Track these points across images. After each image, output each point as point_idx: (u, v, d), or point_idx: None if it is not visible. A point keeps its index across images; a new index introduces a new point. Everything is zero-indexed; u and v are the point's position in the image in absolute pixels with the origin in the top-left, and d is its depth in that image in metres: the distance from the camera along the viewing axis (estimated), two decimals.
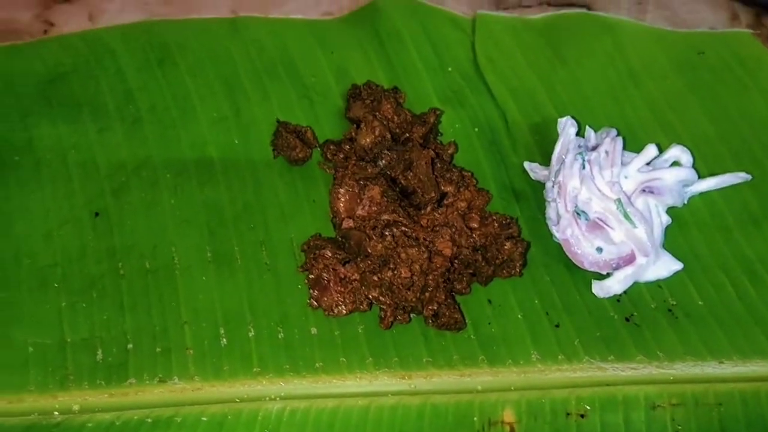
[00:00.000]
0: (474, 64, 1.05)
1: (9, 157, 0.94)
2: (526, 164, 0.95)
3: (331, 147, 0.95)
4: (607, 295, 0.87)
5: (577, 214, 0.87)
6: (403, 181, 0.85)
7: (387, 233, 0.82)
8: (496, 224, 0.86)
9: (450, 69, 1.04)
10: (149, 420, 0.77)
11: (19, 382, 0.80)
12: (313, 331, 0.84)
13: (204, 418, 0.78)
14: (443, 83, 1.03)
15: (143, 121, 0.99)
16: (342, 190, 0.89)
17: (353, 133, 0.91)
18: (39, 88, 1.00)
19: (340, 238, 0.88)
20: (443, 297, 0.83)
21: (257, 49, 1.05)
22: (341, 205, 0.89)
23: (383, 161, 0.89)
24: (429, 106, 0.99)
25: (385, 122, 0.91)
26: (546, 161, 0.96)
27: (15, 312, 0.84)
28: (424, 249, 0.81)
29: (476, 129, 0.99)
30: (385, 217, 0.83)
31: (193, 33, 1.06)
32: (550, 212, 0.91)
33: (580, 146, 0.91)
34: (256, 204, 0.93)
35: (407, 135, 0.90)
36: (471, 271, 0.85)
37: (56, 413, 0.78)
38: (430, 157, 0.87)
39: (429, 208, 0.86)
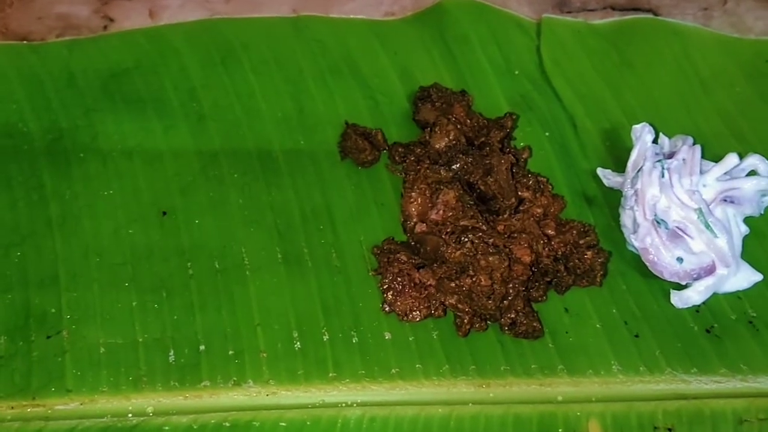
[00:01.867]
0: (540, 68, 1.04)
1: (75, 154, 0.93)
2: (599, 170, 0.94)
3: (400, 150, 0.94)
4: (686, 306, 0.85)
5: (657, 222, 0.85)
6: (482, 187, 0.84)
7: (466, 239, 0.81)
8: (574, 232, 0.84)
9: (517, 72, 1.03)
10: (227, 424, 0.76)
11: (92, 383, 0.78)
12: (387, 336, 0.83)
13: (282, 423, 0.76)
14: (511, 87, 1.01)
15: (207, 119, 0.98)
16: (414, 194, 0.87)
17: (427, 136, 0.90)
18: (102, 83, 0.99)
19: (413, 243, 0.86)
20: (522, 305, 0.81)
21: (320, 49, 1.04)
22: (413, 208, 0.87)
23: (457, 165, 0.87)
24: (498, 110, 0.98)
25: (458, 126, 0.89)
26: (617, 167, 0.95)
27: (86, 311, 0.82)
28: (504, 257, 0.79)
29: (547, 133, 0.97)
30: (464, 222, 0.82)
31: (256, 32, 1.05)
32: (626, 220, 0.89)
33: (657, 154, 0.89)
34: (323, 206, 0.92)
35: (483, 139, 0.89)
36: (548, 279, 0.83)
37: (130, 415, 0.77)
38: (510, 162, 0.85)
39: (506, 214, 0.84)
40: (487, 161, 0.84)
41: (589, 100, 1.01)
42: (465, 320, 0.81)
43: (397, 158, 0.94)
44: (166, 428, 0.75)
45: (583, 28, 1.08)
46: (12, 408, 0.77)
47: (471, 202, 0.84)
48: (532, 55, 1.05)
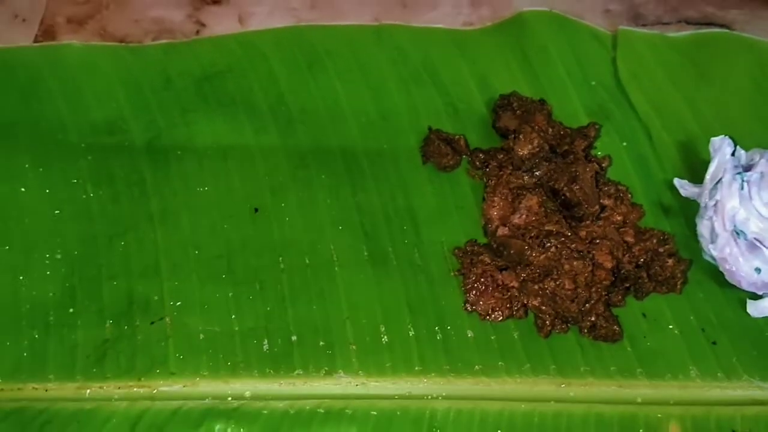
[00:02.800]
0: (615, 79, 1.06)
1: (173, 152, 0.99)
2: (676, 181, 0.96)
3: (481, 155, 0.97)
4: (761, 315, 0.87)
5: (736, 233, 0.87)
6: (567, 193, 0.87)
7: (550, 243, 0.84)
8: (654, 240, 0.87)
9: (594, 83, 1.05)
10: (321, 410, 0.80)
11: (193, 367, 0.83)
12: (470, 334, 0.86)
13: (374, 412, 0.80)
14: (588, 97, 1.04)
15: (295, 122, 1.02)
16: (496, 198, 0.91)
17: (510, 143, 0.93)
18: (196, 85, 1.05)
19: (494, 245, 0.90)
20: (602, 309, 0.84)
21: (401, 57, 1.08)
22: (494, 212, 0.91)
23: (540, 171, 0.90)
24: (576, 119, 1.01)
25: (541, 134, 0.92)
26: (693, 178, 0.97)
27: (187, 300, 0.87)
28: (588, 262, 0.82)
29: (624, 144, 1.00)
30: (548, 227, 0.85)
31: (340, 39, 1.10)
32: (703, 230, 0.91)
33: (735, 166, 0.91)
34: (406, 207, 0.96)
35: (566, 147, 0.92)
36: (627, 285, 0.86)
37: (230, 398, 0.81)
38: (594, 170, 0.88)
39: (589, 221, 0.87)
40: (573, 169, 0.87)
41: (665, 112, 1.03)
42: (547, 322, 0.84)
43: (477, 163, 0.97)
44: (265, 412, 0.80)
45: (659, 41, 1.10)
46: (119, 388, 0.82)
47: (554, 208, 0.87)
48: (608, 67, 1.08)
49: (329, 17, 1.13)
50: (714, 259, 0.89)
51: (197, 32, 1.13)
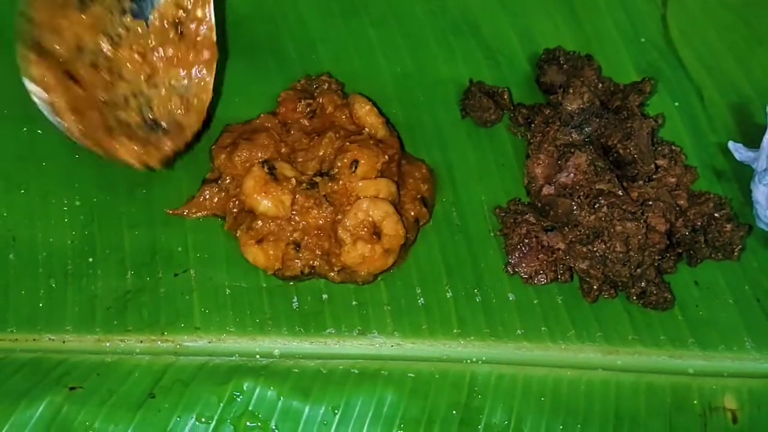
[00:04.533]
0: (665, 37, 1.01)
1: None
2: (731, 144, 0.90)
3: (524, 111, 0.92)
4: None
5: None
6: (621, 151, 0.82)
7: (600, 204, 0.79)
8: (710, 204, 0.82)
9: (643, 40, 1.00)
10: (355, 371, 0.76)
11: (219, 323, 0.79)
12: (511, 297, 0.82)
13: (411, 375, 0.76)
14: (638, 54, 0.99)
15: (327, 72, 0.96)
16: (542, 156, 0.86)
17: (559, 98, 0.87)
18: (222, 29, 0.99)
19: (539, 204, 0.85)
20: (653, 275, 0.79)
21: (440, 8, 1.02)
22: (539, 170, 0.86)
23: (590, 128, 0.85)
24: (625, 76, 0.95)
25: (591, 89, 0.87)
26: (746, 142, 0.92)
27: (212, 253, 0.83)
28: (642, 224, 0.77)
29: (676, 103, 0.94)
30: (600, 186, 0.80)
31: None
32: (759, 196, 0.86)
33: None
34: (443, 163, 0.91)
35: (618, 103, 0.86)
36: (680, 251, 0.81)
37: (258, 356, 0.77)
38: (651, 127, 0.83)
39: (641, 181, 0.82)
40: (628, 125, 0.82)
41: (716, 73, 0.98)
42: (594, 286, 0.79)
43: (520, 119, 0.92)
44: (296, 371, 0.76)
45: (712, 0, 1.04)
46: (141, 342, 0.78)
47: (604, 166, 0.82)
48: (658, 24, 1.02)
49: None
50: None
51: None
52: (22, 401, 0.71)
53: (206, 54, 0.81)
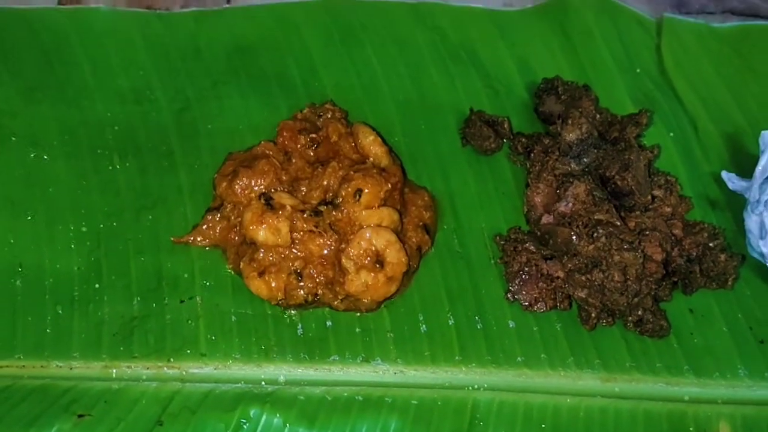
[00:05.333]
0: (660, 67, 1.03)
1: (203, 125, 0.95)
2: (725, 174, 0.92)
3: (523, 140, 0.94)
4: None
5: None
6: (619, 182, 0.84)
7: (599, 233, 0.81)
8: (705, 234, 0.84)
9: (638, 71, 1.02)
10: (359, 398, 0.77)
11: (225, 349, 0.80)
12: (511, 324, 0.83)
13: (414, 402, 0.77)
14: (634, 84, 1.01)
15: (330, 99, 0.98)
16: (541, 185, 0.88)
17: (558, 128, 0.89)
18: (227, 56, 1.00)
19: (538, 233, 0.86)
20: (650, 303, 0.81)
21: (440, 36, 1.04)
22: (538, 199, 0.88)
23: (588, 158, 0.87)
24: (621, 107, 0.97)
25: (590, 119, 0.89)
26: (740, 172, 0.94)
27: (218, 279, 0.84)
28: (639, 254, 0.79)
29: (671, 134, 0.96)
30: (598, 216, 0.82)
31: (376, 15, 1.06)
32: (752, 225, 0.88)
33: None
34: (444, 191, 0.93)
35: (616, 134, 0.88)
36: (675, 279, 0.83)
37: (263, 383, 0.78)
38: (648, 159, 0.85)
39: (638, 211, 0.84)
40: (626, 156, 0.84)
41: (710, 103, 1.00)
42: (593, 314, 0.81)
43: (519, 148, 0.94)
44: (301, 398, 0.77)
45: (704, 31, 1.07)
46: (147, 368, 0.79)
47: (603, 196, 0.84)
48: (652, 54, 1.04)
49: None
50: (762, 255, 0.86)
51: (228, 1, 1.09)
52: (30, 429, 0.72)
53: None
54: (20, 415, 0.73)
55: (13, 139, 0.89)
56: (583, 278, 0.80)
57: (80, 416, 0.73)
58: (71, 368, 0.78)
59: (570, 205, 0.85)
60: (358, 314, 0.83)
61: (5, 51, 0.95)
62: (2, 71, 0.93)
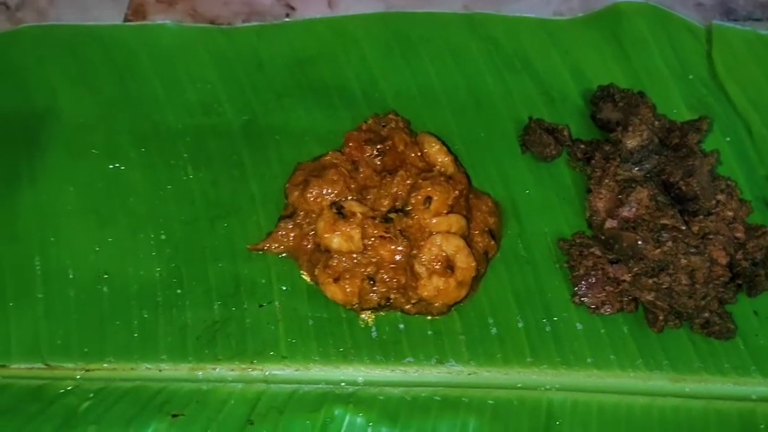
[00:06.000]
0: (711, 73, 1.05)
1: (270, 136, 0.98)
2: None
3: (582, 146, 0.96)
4: None
5: None
6: (683, 187, 0.86)
7: (665, 238, 0.83)
8: (767, 237, 0.86)
9: (691, 77, 1.04)
10: (437, 398, 0.80)
11: (304, 352, 0.83)
12: (579, 326, 0.86)
13: (490, 402, 0.80)
14: (688, 91, 1.03)
15: (390, 109, 1.01)
16: (603, 190, 0.90)
17: (619, 135, 0.92)
18: (289, 69, 1.04)
19: (602, 238, 0.89)
20: (716, 305, 0.83)
21: (494, 45, 1.07)
22: (601, 204, 0.90)
23: (650, 164, 0.89)
24: (677, 113, 0.99)
25: (650, 126, 0.91)
26: None
27: (295, 285, 0.87)
28: (706, 258, 0.81)
29: (728, 138, 0.98)
30: (664, 221, 0.84)
31: (432, 26, 1.08)
32: None
33: None
34: (506, 197, 0.95)
35: (677, 141, 0.91)
36: (739, 282, 0.85)
37: (343, 384, 0.81)
38: (711, 164, 0.87)
39: (701, 216, 0.86)
40: (690, 162, 0.86)
41: (762, 107, 1.02)
42: (660, 317, 0.83)
43: (578, 154, 0.96)
44: (381, 398, 0.79)
45: (753, 37, 1.08)
46: (232, 370, 0.82)
47: (666, 202, 0.86)
48: (703, 61, 1.06)
49: (419, 4, 1.12)
50: None
51: (287, 15, 1.12)
52: (129, 429, 0.75)
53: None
54: (117, 415, 0.76)
55: (94, 152, 0.93)
56: (651, 281, 0.83)
57: (174, 416, 0.77)
58: (160, 370, 0.81)
59: (633, 210, 0.87)
60: (429, 317, 0.86)
61: (83, 67, 0.98)
62: (81, 87, 0.97)
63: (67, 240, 0.88)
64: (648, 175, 0.89)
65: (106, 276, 0.86)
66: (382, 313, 0.86)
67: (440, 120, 1.01)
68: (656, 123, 0.94)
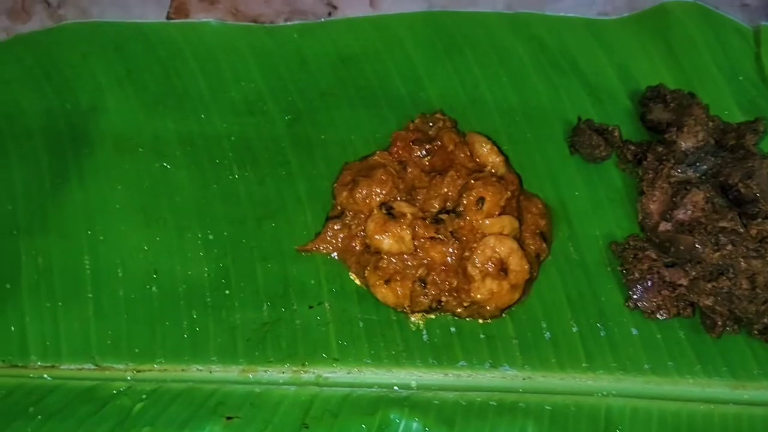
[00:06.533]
0: (760, 74, 1.03)
1: (316, 136, 0.97)
2: None
3: (632, 148, 0.95)
4: None
5: None
6: (743, 189, 0.84)
7: (724, 241, 0.81)
8: None
9: (741, 78, 1.02)
10: (493, 403, 0.78)
11: (356, 354, 0.82)
12: (634, 331, 0.84)
13: (548, 407, 0.78)
14: (739, 92, 1.01)
15: (435, 109, 1.00)
16: (657, 193, 0.88)
17: (674, 136, 0.90)
18: (332, 68, 1.03)
19: (657, 240, 0.87)
20: None
21: (539, 45, 1.05)
22: (654, 207, 0.88)
23: (706, 166, 0.88)
24: (729, 114, 0.97)
25: (705, 127, 0.90)
26: None
27: (345, 286, 0.86)
28: (767, 261, 0.79)
29: None
30: (722, 224, 0.82)
31: (475, 25, 1.07)
32: None
33: None
34: (556, 198, 0.94)
35: (733, 142, 0.89)
36: None
37: (396, 388, 0.80)
38: None
39: (760, 219, 0.84)
40: (749, 164, 0.84)
41: None
42: (719, 322, 0.81)
43: (628, 156, 0.95)
44: (436, 402, 0.78)
45: None
46: (283, 372, 0.81)
47: (724, 204, 0.84)
48: (751, 62, 1.04)
49: (462, 3, 1.11)
50: None
51: (329, 14, 1.11)
52: (184, 430, 0.74)
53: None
54: (171, 417, 0.75)
55: (140, 150, 0.92)
56: (709, 286, 0.81)
57: (228, 418, 0.76)
58: (211, 372, 0.80)
59: (689, 212, 0.85)
60: (481, 321, 0.84)
61: (128, 65, 0.98)
62: (127, 85, 0.96)
63: (115, 239, 0.87)
64: (703, 177, 0.87)
65: (154, 275, 0.85)
66: (432, 316, 0.85)
67: (487, 120, 0.99)
68: (710, 124, 0.92)
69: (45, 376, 0.81)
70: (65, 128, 0.94)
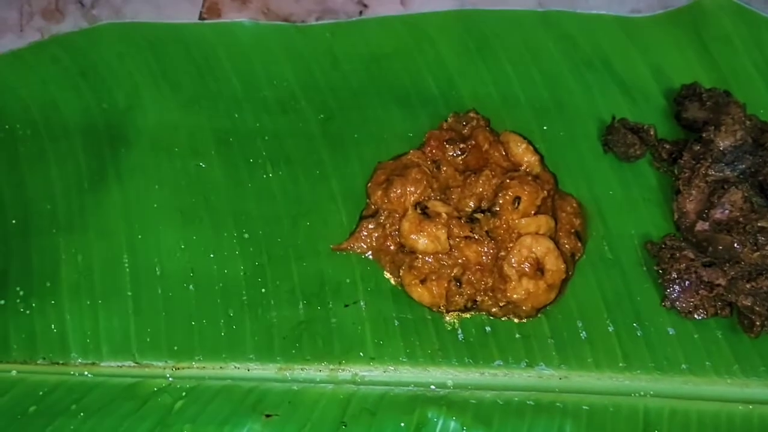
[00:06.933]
0: None
1: (348, 135, 0.97)
2: None
3: (667, 146, 0.94)
4: None
5: None
6: None
7: (762, 241, 0.81)
8: None
9: None
10: (531, 402, 0.78)
11: (392, 353, 0.82)
12: (671, 331, 0.84)
13: (585, 407, 0.78)
14: None
15: (467, 108, 1.00)
16: (693, 192, 0.88)
17: (711, 135, 0.89)
18: (365, 67, 1.03)
19: (694, 240, 0.86)
20: None
21: (571, 43, 1.05)
22: (691, 206, 0.88)
23: (744, 165, 0.87)
24: (763, 113, 0.97)
25: (743, 126, 0.89)
26: None
27: (380, 285, 0.86)
28: None
29: None
30: (761, 224, 0.82)
31: (507, 23, 1.07)
32: None
33: None
34: (590, 198, 0.93)
35: None
36: None
37: (433, 387, 0.80)
38: None
39: None
40: None
41: None
42: (758, 322, 0.81)
43: (664, 155, 0.94)
44: (473, 401, 0.78)
45: None
46: (320, 371, 0.81)
47: (763, 204, 0.83)
48: None
49: (494, 2, 1.11)
50: None
51: (360, 13, 1.11)
52: (224, 428, 0.75)
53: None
54: (212, 414, 0.76)
55: (176, 150, 0.93)
56: (748, 286, 0.80)
57: (268, 416, 0.76)
58: (248, 369, 0.81)
59: (726, 211, 0.85)
60: (516, 320, 0.84)
61: (163, 65, 0.98)
62: (163, 84, 0.97)
63: (153, 238, 0.88)
64: (741, 176, 0.87)
65: (191, 274, 0.86)
66: (467, 315, 0.85)
67: (520, 119, 0.99)
68: (747, 123, 0.91)
69: (86, 373, 0.82)
70: (103, 128, 0.95)
